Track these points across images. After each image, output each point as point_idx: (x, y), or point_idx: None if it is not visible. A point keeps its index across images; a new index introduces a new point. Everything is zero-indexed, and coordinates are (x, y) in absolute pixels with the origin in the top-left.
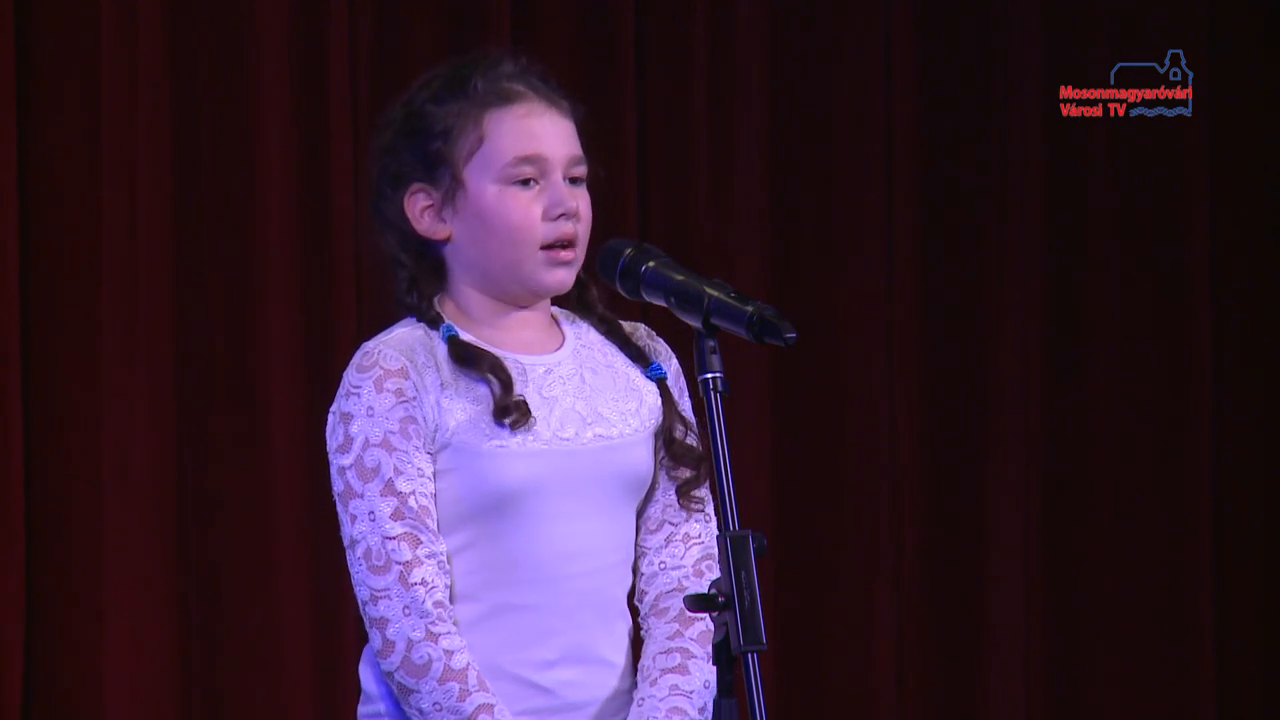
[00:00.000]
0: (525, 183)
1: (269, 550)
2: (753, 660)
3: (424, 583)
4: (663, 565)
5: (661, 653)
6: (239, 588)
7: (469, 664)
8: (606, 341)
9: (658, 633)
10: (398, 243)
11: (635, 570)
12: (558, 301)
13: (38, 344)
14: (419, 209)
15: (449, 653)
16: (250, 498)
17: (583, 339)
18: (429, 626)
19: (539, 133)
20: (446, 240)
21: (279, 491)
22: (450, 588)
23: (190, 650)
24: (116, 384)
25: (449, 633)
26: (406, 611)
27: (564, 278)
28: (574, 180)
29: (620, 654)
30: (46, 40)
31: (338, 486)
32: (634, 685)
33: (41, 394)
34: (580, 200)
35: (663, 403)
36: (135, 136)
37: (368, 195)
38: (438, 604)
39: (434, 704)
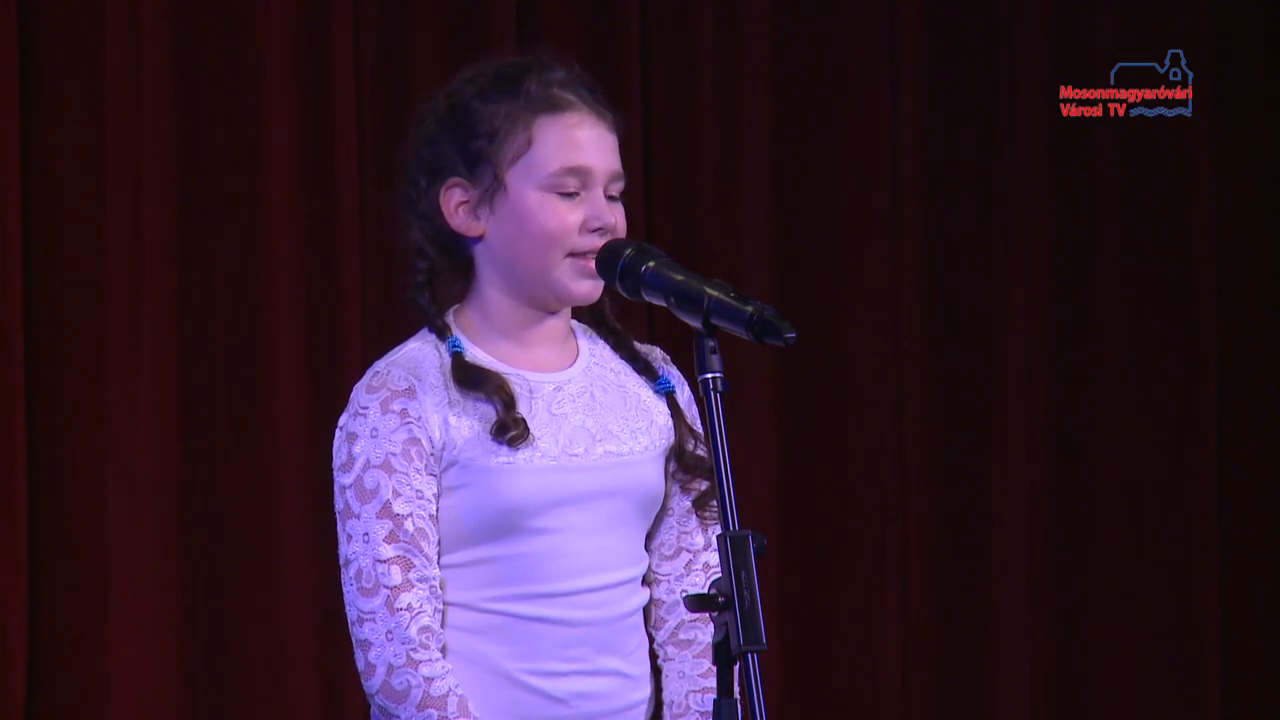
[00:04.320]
0: (567, 194)
1: (273, 547)
2: (753, 660)
3: (409, 608)
4: (684, 593)
5: (696, 691)
6: (243, 585)
7: (449, 691)
8: (618, 358)
9: (688, 669)
10: (425, 235)
11: (650, 595)
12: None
13: (42, 341)
14: (454, 204)
15: (429, 680)
16: (255, 495)
17: (597, 355)
18: (410, 653)
19: (586, 145)
20: (479, 238)
21: (283, 488)
22: (442, 612)
23: (194, 647)
24: (121, 381)
25: (430, 659)
26: (389, 636)
27: (590, 290)
28: (611, 198)
29: (634, 666)
30: (50, 39)
31: (338, 504)
32: (650, 695)
33: (45, 391)
34: (617, 216)
35: (673, 418)
36: (139, 134)
37: (398, 183)
38: (423, 630)
39: None
